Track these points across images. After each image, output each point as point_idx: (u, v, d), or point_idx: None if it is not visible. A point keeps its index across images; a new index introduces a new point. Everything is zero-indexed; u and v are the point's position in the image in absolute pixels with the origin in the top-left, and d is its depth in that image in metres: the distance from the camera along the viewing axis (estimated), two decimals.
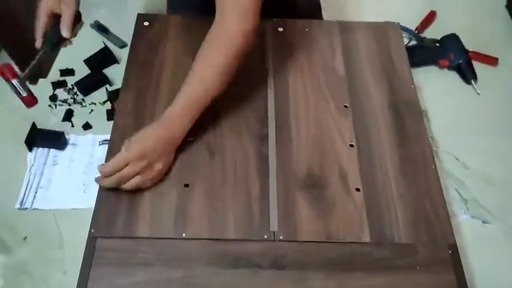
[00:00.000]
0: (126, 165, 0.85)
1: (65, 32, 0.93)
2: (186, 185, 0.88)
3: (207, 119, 0.97)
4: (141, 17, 1.17)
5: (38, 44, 0.94)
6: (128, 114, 0.98)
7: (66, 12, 0.93)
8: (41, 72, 1.54)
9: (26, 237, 1.21)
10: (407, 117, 1.01)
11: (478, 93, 1.57)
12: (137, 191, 0.87)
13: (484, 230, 1.26)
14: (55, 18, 0.94)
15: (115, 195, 0.87)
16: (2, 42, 1.42)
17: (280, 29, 1.15)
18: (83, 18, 1.00)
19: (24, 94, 0.94)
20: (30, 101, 0.94)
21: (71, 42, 0.98)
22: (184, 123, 0.90)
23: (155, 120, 0.90)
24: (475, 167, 1.39)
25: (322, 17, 1.38)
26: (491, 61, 1.65)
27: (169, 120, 0.89)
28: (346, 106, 1.02)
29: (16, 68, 0.94)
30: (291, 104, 1.02)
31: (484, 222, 1.28)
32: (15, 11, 1.42)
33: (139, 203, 0.86)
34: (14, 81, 0.92)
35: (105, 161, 0.91)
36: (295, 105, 1.02)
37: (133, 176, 0.85)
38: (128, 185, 0.86)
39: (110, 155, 0.92)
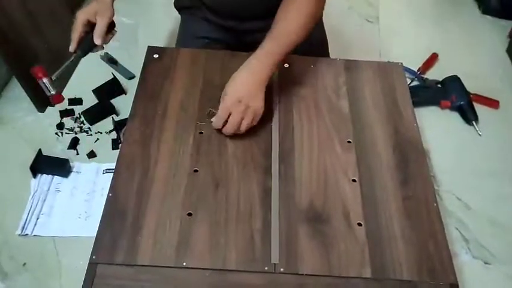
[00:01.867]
0: (229, 114, 0.97)
1: (97, 40, 1.03)
2: (189, 214, 0.89)
3: (213, 150, 0.99)
4: (151, 50, 1.20)
5: (72, 48, 1.03)
6: (134, 143, 1.00)
7: (100, 22, 1.03)
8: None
9: (25, 264, 1.20)
10: (410, 155, 1.02)
11: (480, 134, 1.59)
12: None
13: (485, 271, 1.25)
14: (91, 27, 1.04)
15: (118, 222, 0.87)
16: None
17: (286, 65, 1.18)
18: None
19: (53, 92, 1.03)
20: (57, 99, 1.04)
21: (103, 48, 1.07)
22: (269, 66, 1.00)
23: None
24: (477, 207, 1.39)
25: (329, 55, 1.42)
26: (493, 103, 1.68)
27: (255, 65, 1.00)
28: (349, 142, 1.03)
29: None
30: (295, 138, 1.03)
31: (485, 263, 1.27)
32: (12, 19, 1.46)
33: (142, 230, 0.86)
34: (44, 80, 1.01)
35: (110, 188, 0.92)
36: (299, 140, 1.03)
37: (241, 120, 0.97)
38: (242, 129, 0.98)
39: (115, 183, 0.93)
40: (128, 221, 0.88)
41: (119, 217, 0.88)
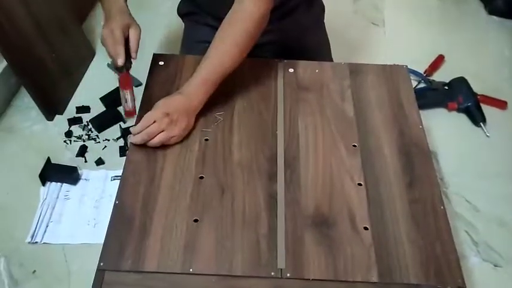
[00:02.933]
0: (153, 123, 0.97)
1: (133, 54, 1.10)
2: (196, 220, 0.89)
3: (219, 157, 0.99)
4: (156, 57, 1.21)
5: (121, 62, 1.08)
6: (140, 150, 1.01)
7: (135, 35, 1.10)
8: (58, 108, 1.59)
9: (34, 271, 1.21)
10: (416, 158, 1.02)
11: (488, 136, 1.58)
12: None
13: (495, 274, 1.24)
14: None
15: (125, 229, 0.88)
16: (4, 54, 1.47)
17: (291, 70, 1.18)
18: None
19: (130, 107, 1.12)
20: (131, 114, 1.11)
21: (131, 63, 1.12)
22: (201, 94, 1.02)
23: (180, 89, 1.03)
24: (486, 209, 1.38)
25: (332, 58, 1.42)
26: (501, 104, 1.67)
27: (189, 91, 1.02)
28: (355, 146, 1.03)
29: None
30: (300, 143, 1.03)
31: (495, 265, 1.26)
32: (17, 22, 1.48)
33: (149, 237, 0.87)
34: (127, 92, 1.09)
35: (117, 195, 0.93)
36: (304, 144, 1.03)
37: (159, 133, 0.97)
38: (155, 140, 0.98)
39: (122, 189, 0.94)
40: (135, 227, 0.88)
41: (126, 224, 0.89)
